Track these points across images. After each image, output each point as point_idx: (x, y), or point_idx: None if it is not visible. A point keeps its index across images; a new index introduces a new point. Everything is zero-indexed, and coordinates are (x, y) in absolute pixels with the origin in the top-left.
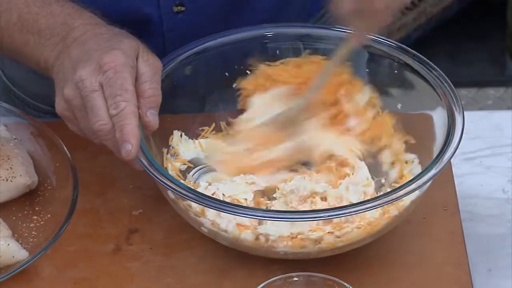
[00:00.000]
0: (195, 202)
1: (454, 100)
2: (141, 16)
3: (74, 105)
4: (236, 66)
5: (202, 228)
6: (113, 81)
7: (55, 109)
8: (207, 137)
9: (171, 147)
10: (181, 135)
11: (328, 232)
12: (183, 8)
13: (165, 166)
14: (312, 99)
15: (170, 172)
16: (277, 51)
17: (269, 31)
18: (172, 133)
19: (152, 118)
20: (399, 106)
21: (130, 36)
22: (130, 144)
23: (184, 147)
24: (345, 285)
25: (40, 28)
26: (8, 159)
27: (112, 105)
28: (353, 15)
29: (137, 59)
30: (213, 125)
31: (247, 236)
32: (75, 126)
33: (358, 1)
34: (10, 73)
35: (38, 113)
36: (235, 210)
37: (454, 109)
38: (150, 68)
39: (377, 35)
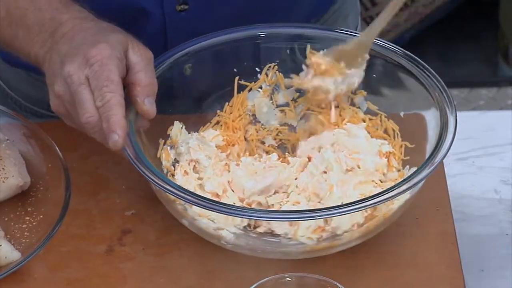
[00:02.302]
0: (179, 198)
1: (447, 100)
2: (143, 14)
3: (65, 100)
4: (229, 66)
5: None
6: (99, 74)
7: (52, 112)
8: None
9: (169, 137)
10: (181, 127)
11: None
12: (186, 7)
13: (158, 155)
14: (370, 38)
15: (163, 162)
16: (268, 52)
17: (262, 31)
18: (172, 123)
19: (150, 106)
20: (390, 103)
21: (118, 30)
22: (117, 134)
23: (183, 139)
24: (337, 286)
25: (28, 23)
26: (0, 160)
27: (98, 97)
28: None
29: (128, 51)
30: (208, 124)
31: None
32: (71, 121)
33: None
34: (6, 76)
35: (34, 117)
36: (228, 210)
37: (447, 109)
38: (142, 58)
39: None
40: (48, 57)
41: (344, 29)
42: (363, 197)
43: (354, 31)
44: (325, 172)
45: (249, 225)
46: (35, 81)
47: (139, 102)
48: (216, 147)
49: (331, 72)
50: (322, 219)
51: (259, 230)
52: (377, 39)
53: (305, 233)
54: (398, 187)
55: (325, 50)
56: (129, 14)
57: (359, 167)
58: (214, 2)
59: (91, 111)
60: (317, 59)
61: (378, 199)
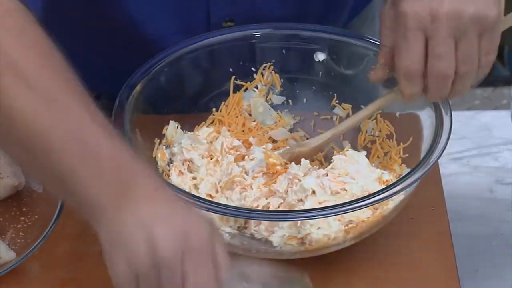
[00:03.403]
0: None
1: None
2: (190, 32)
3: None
4: (225, 66)
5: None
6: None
7: None
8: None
9: (164, 137)
10: (177, 127)
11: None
12: (232, 24)
13: (154, 155)
14: (334, 139)
15: (158, 162)
16: (264, 52)
17: (258, 31)
18: (168, 123)
19: None
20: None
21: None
22: None
23: (178, 139)
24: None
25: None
26: None
27: None
28: (412, 75)
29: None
30: (203, 124)
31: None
32: None
33: (422, 63)
34: None
35: None
36: (223, 210)
37: (442, 109)
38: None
39: (365, 36)
40: (124, 218)
41: (340, 29)
42: (358, 197)
43: (351, 31)
44: (301, 200)
45: (242, 226)
46: None
47: None
48: (209, 143)
49: (281, 172)
50: (296, 230)
51: (247, 231)
52: (375, 39)
53: (279, 243)
54: (393, 188)
55: (282, 150)
56: (175, 34)
57: (345, 190)
58: (258, 16)
59: None
60: (274, 160)
61: (373, 199)
